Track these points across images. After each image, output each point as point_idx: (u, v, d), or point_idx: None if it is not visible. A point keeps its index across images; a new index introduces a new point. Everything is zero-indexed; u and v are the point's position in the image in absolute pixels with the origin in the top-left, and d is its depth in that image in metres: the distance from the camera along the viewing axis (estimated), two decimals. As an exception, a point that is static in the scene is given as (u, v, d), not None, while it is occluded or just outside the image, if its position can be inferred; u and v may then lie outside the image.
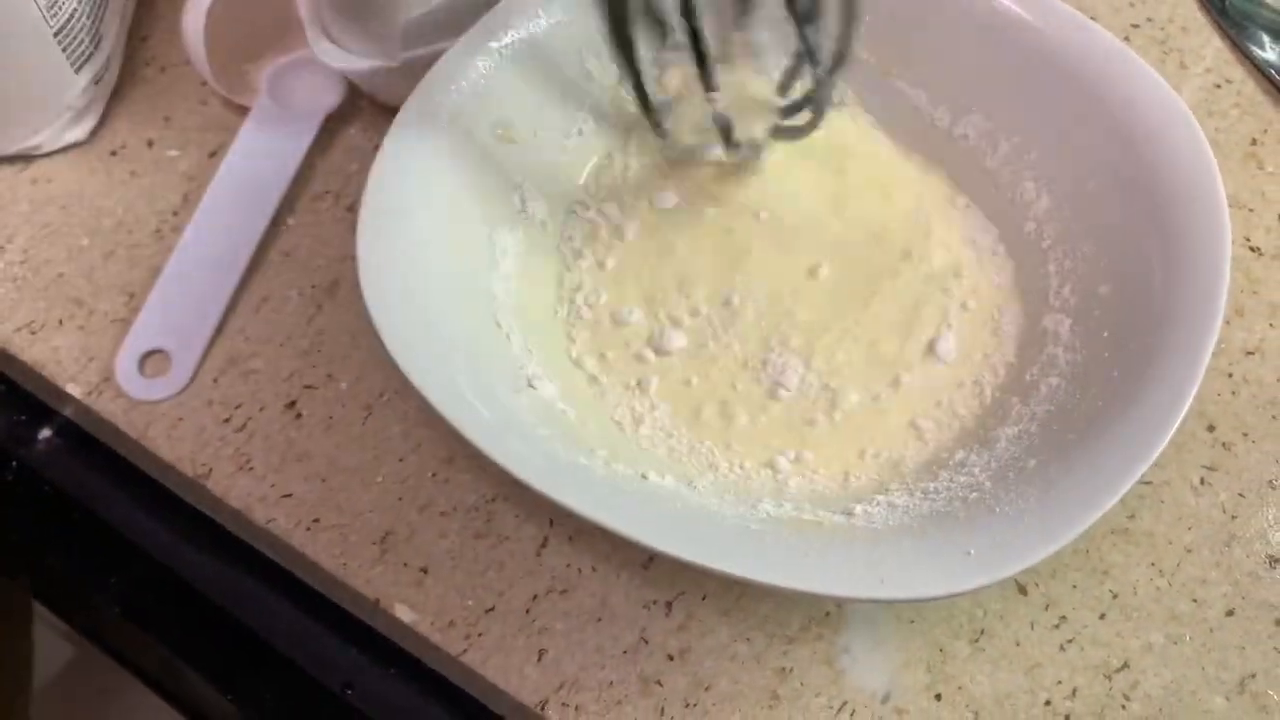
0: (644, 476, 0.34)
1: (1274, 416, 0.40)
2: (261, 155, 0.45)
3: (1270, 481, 0.39)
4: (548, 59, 0.42)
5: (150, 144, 0.47)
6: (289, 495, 0.39)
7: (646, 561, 0.37)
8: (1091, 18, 0.45)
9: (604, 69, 0.43)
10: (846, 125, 0.43)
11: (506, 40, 0.41)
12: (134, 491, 0.43)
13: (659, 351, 0.39)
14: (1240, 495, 0.38)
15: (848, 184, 0.41)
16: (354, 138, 0.47)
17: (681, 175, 0.42)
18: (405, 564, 0.38)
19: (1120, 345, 0.35)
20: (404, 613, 0.37)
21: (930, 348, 0.38)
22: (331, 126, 0.47)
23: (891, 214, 0.41)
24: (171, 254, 0.43)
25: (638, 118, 0.41)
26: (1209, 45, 0.49)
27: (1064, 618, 0.36)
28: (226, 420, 0.41)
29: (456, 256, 0.38)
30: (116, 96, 0.48)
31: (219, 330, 0.42)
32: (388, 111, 0.40)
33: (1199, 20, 0.50)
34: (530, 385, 0.36)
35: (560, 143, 0.43)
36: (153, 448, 0.40)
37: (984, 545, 0.30)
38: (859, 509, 0.33)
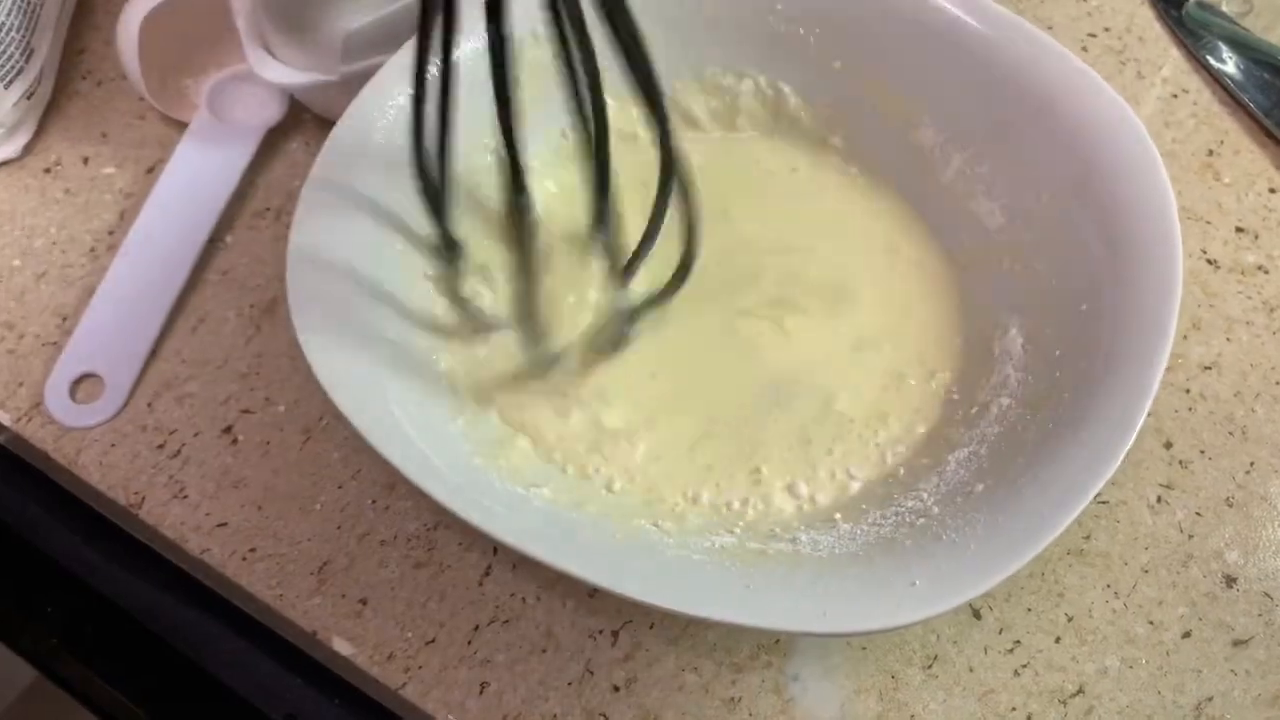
0: (580, 507, 0.33)
1: (1231, 433, 0.39)
2: (200, 172, 0.44)
3: (1227, 499, 0.38)
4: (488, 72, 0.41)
5: (85, 161, 0.46)
6: (224, 524, 0.38)
7: (592, 589, 0.36)
8: (1048, 27, 0.45)
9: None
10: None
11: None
12: (70, 519, 0.41)
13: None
14: (1197, 514, 0.38)
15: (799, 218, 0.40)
16: (295, 153, 0.46)
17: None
18: (344, 595, 0.37)
19: (1072, 364, 0.34)
20: (342, 645, 0.36)
21: (883, 368, 0.37)
22: (273, 141, 0.46)
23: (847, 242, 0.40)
24: (106, 274, 0.42)
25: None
26: (1166, 55, 0.49)
27: (1018, 642, 0.36)
28: (160, 446, 0.39)
29: (392, 278, 0.37)
30: (51, 111, 0.47)
31: (154, 353, 0.41)
32: (331, 126, 0.39)
33: (1156, 30, 0.49)
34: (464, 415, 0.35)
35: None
36: (84, 475, 0.39)
37: (929, 575, 0.29)
38: (805, 537, 0.32)
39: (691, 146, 0.41)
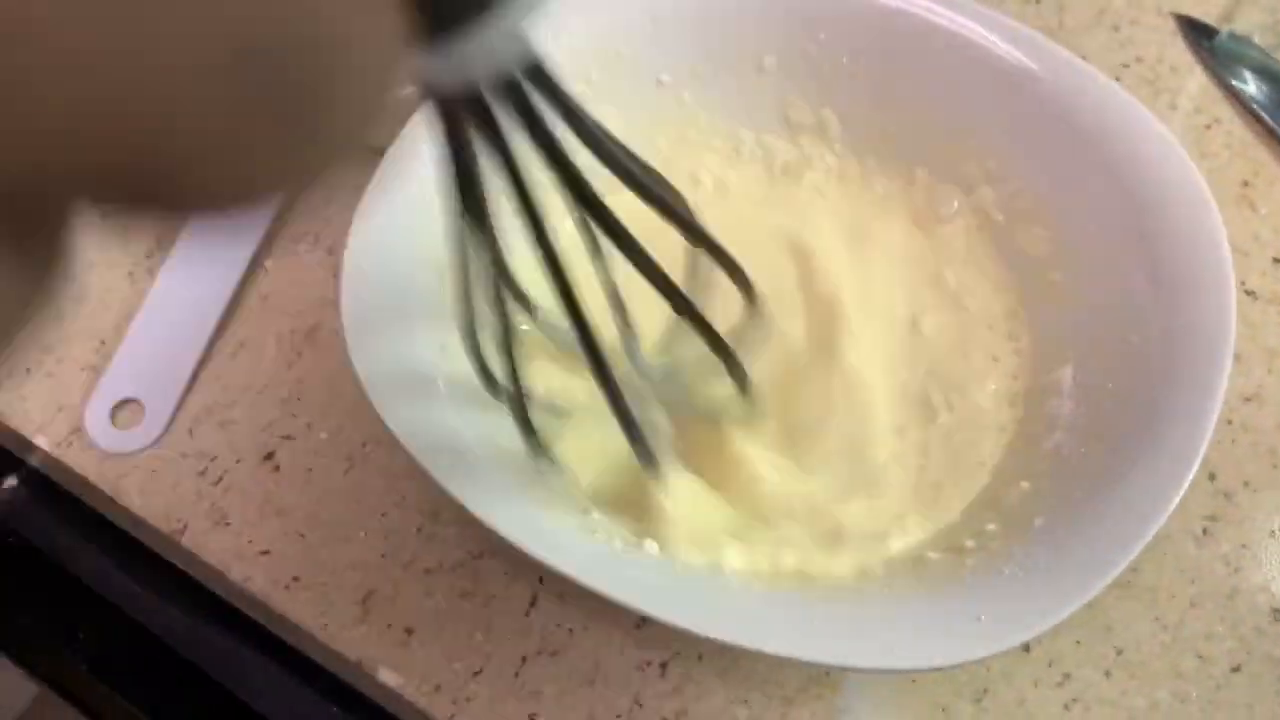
0: (638, 540, 0.33)
1: (1274, 465, 0.39)
2: (239, 196, 0.44)
3: (1272, 531, 0.38)
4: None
5: (123, 183, 0.46)
6: (267, 552, 0.38)
7: (640, 620, 0.36)
8: (1082, 56, 0.45)
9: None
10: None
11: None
12: (103, 543, 0.41)
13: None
14: (1243, 546, 0.38)
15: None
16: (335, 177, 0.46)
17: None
18: (389, 624, 0.36)
19: (1125, 397, 0.34)
20: (388, 676, 0.35)
21: (935, 401, 0.37)
22: (311, 166, 0.46)
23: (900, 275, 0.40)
24: (145, 299, 0.42)
25: None
26: (1197, 85, 0.49)
27: (1068, 675, 0.35)
28: (202, 473, 0.39)
29: (441, 307, 0.36)
30: (88, 134, 0.47)
31: (194, 378, 0.41)
32: (372, 150, 0.39)
33: (1188, 60, 0.50)
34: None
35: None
36: (125, 502, 0.39)
37: (993, 610, 0.29)
38: (865, 571, 0.32)
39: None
